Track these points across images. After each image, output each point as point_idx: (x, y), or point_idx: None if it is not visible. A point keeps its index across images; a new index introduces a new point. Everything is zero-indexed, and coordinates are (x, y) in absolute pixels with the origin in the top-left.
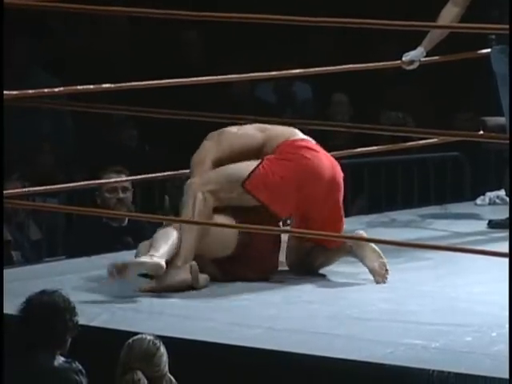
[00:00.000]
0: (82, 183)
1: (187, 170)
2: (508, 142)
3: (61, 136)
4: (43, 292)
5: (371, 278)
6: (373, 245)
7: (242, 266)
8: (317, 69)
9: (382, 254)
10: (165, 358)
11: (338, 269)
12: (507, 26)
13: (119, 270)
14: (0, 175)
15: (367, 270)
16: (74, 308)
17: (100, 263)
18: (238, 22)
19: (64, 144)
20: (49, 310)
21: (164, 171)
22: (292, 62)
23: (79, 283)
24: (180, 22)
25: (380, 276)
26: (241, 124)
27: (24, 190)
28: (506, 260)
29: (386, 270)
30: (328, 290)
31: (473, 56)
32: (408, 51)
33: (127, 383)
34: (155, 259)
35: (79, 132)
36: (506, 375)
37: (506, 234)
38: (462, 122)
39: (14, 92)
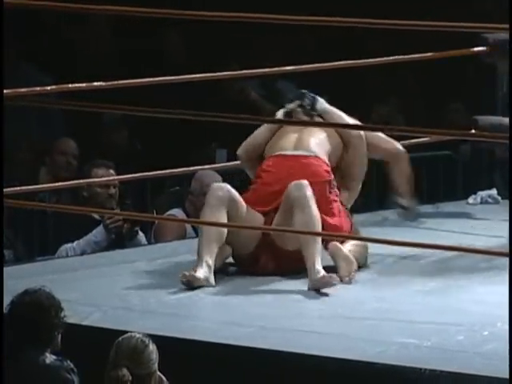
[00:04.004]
0: (73, 182)
1: (178, 170)
2: (499, 141)
3: (49, 133)
4: (27, 291)
5: (363, 276)
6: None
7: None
8: (304, 66)
9: (349, 258)
10: (154, 356)
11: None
12: (501, 26)
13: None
14: (0, 175)
15: (360, 269)
16: (60, 304)
17: (91, 262)
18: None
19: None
20: (33, 307)
21: (156, 170)
22: (279, 59)
23: (71, 282)
24: (166, 20)
25: (345, 280)
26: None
27: (16, 188)
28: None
29: (353, 274)
30: None
31: (466, 53)
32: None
33: (112, 379)
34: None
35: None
36: (497, 374)
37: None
38: (452, 112)
39: (9, 90)
